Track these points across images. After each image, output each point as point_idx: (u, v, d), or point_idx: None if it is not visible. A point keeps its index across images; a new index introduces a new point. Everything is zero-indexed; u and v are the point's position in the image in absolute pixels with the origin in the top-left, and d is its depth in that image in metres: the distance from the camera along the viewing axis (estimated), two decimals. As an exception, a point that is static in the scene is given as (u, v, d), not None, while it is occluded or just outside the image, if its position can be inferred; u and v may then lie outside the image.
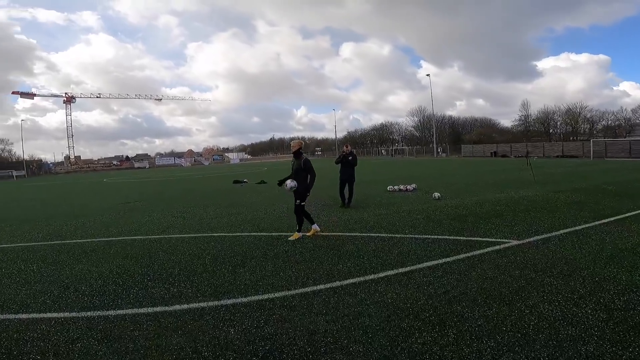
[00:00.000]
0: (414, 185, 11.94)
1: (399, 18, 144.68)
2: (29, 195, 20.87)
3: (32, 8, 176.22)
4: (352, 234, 6.31)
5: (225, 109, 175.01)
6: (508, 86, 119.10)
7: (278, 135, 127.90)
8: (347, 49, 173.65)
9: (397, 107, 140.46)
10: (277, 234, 6.61)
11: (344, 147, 8.64)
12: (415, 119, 77.16)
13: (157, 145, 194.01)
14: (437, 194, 9.75)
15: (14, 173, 58.73)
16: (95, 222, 8.95)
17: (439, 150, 54.90)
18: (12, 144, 72.16)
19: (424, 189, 11.91)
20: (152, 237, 6.90)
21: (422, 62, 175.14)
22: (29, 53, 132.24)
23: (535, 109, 64.06)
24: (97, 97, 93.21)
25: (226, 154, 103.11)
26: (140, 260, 5.37)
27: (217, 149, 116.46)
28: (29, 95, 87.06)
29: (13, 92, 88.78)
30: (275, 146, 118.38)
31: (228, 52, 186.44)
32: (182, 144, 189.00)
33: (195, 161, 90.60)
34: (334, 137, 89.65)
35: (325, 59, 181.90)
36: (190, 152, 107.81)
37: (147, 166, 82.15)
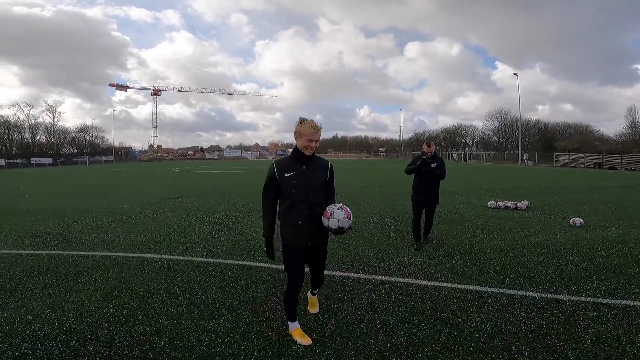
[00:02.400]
0: (526, 203, 8.75)
1: (469, 17, 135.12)
2: (95, 180, 21.42)
3: (126, 6, 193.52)
4: (465, 286, 3.72)
5: (290, 106, 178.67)
6: (602, 91, 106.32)
7: (341, 133, 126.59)
8: (412, 48, 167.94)
9: (467, 109, 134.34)
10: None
11: (424, 147, 4.99)
12: (495, 122, 69.38)
13: (228, 138, 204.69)
14: (578, 220, 6.59)
15: (103, 158, 65.06)
16: (119, 223, 7.50)
17: (524, 158, 48.07)
18: (104, 131, 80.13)
19: (540, 207, 8.68)
20: (168, 257, 5.02)
21: (497, 63, 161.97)
22: (123, 49, 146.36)
23: (641, 116, 53.03)
24: (179, 90, 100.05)
25: (289, 150, 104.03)
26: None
27: (282, 144, 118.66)
28: (123, 88, 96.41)
29: (110, 84, 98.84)
30: (337, 144, 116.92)
31: (292, 50, 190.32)
32: (250, 138, 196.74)
33: (260, 155, 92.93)
34: (398, 137, 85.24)
35: (388, 59, 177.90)
36: (257, 146, 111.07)
37: (216, 157, 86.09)
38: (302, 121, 2.62)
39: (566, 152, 45.04)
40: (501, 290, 3.62)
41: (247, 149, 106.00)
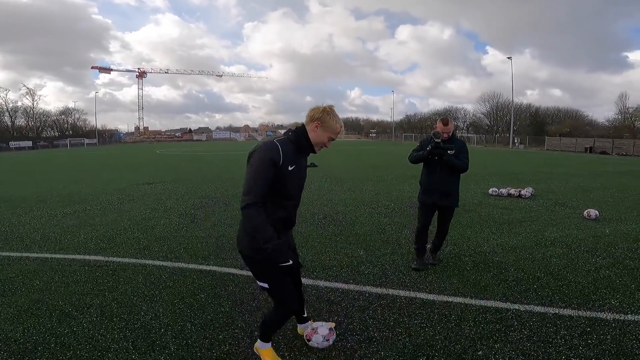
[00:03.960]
0: (531, 190, 8.06)
1: (462, 1, 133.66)
2: (69, 164, 20.16)
3: None
4: (481, 301, 2.96)
5: (280, 88, 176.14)
6: (592, 77, 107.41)
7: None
8: (403, 31, 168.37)
9: (458, 93, 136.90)
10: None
11: (438, 125, 3.50)
12: (487, 105, 68.70)
13: (217, 120, 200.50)
14: (593, 212, 5.91)
15: (85, 141, 62.54)
16: (73, 215, 6.58)
17: (515, 141, 47.79)
18: (86, 114, 77.03)
19: (545, 195, 8.01)
20: (116, 260, 4.16)
21: (488, 48, 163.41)
22: (105, 33, 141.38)
23: (633, 103, 52.86)
24: (166, 72, 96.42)
25: (279, 131, 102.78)
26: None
27: (272, 125, 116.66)
28: (107, 70, 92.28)
29: (92, 67, 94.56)
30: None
31: (282, 32, 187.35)
32: (240, 120, 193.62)
33: (249, 136, 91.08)
34: (389, 119, 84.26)
35: (379, 41, 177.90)
36: (246, 127, 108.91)
37: (205, 139, 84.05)
38: (331, 111, 1.90)
39: (557, 136, 44.84)
40: (528, 308, 2.88)
41: (236, 130, 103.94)
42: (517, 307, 2.90)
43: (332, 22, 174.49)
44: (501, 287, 3.27)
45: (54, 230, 5.24)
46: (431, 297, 3.10)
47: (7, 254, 4.21)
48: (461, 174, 3.65)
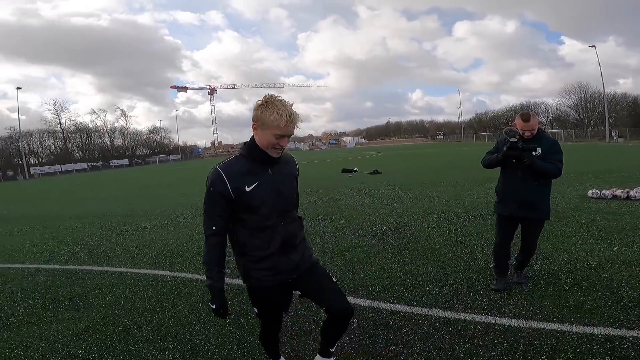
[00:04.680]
0: (642, 190, 6.65)
1: None
2: (148, 180, 22.37)
3: (172, 10, 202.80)
4: (587, 328, 2.31)
5: (339, 95, 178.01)
6: None
7: (394, 119, 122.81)
8: (460, 28, 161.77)
9: (533, 87, 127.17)
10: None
11: (517, 121, 2.91)
12: (574, 97, 60.88)
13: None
14: None
15: (171, 157, 70.04)
16: (152, 230, 7.08)
17: (612, 135, 41.39)
18: (170, 132, 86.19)
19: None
20: (181, 275, 4.27)
21: (563, 37, 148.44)
22: (177, 52, 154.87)
23: None
24: (232, 87, 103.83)
25: (342, 138, 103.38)
26: None
27: (335, 133, 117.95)
28: (183, 89, 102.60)
29: (171, 87, 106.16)
30: (391, 130, 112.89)
31: (334, 40, 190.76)
32: (303, 129, 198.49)
33: (313, 145, 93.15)
34: (457, 119, 79.46)
35: (436, 40, 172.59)
36: (310, 136, 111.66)
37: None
38: (266, 102, 1.56)
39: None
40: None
41: (300, 140, 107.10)
42: (635, 335, 2.23)
43: (382, 26, 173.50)
44: (613, 310, 2.58)
45: (133, 245, 5.65)
46: (515, 322, 2.55)
47: (90, 267, 4.60)
48: (551, 179, 2.98)
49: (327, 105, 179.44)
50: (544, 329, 2.44)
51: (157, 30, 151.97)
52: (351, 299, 3.10)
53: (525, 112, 2.92)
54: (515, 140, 2.81)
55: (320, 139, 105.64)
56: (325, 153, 53.54)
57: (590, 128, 51.99)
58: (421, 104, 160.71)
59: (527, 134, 2.89)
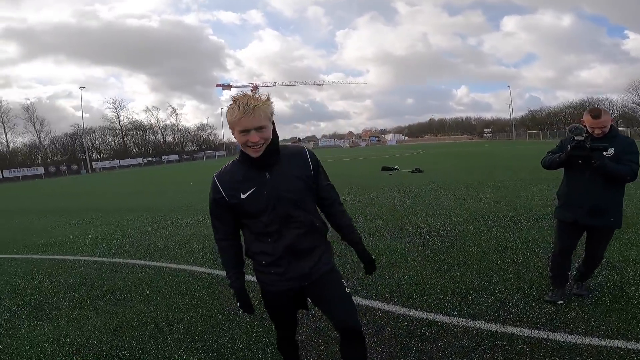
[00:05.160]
0: None
1: None
2: (205, 173, 23.37)
3: (215, 10, 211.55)
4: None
5: (379, 92, 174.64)
6: None
7: (437, 116, 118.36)
8: (509, 22, 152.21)
9: (595, 82, 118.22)
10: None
11: (585, 118, 2.55)
12: (641, 93, 54.60)
13: (322, 128, 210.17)
14: None
15: (217, 153, 73.16)
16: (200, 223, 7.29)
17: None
18: (216, 129, 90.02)
19: None
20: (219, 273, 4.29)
21: (626, 32, 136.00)
22: (221, 51, 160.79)
23: None
24: (274, 85, 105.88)
25: (383, 135, 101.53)
26: None
27: (375, 130, 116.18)
28: (228, 87, 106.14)
29: (217, 85, 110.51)
30: (434, 127, 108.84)
31: (373, 36, 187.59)
32: (343, 127, 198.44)
33: (353, 142, 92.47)
34: (506, 116, 74.63)
35: (482, 35, 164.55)
36: (350, 134, 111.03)
37: (312, 147, 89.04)
38: (232, 102, 1.46)
39: None
40: None
41: (340, 137, 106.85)
42: None
43: (423, 21, 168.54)
44: None
45: (175, 239, 5.85)
46: (572, 339, 2.24)
47: (134, 261, 4.80)
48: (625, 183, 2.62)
49: (367, 102, 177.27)
50: (605, 346, 2.14)
51: (202, 30, 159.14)
52: (384, 306, 2.93)
53: (595, 108, 2.57)
54: (582, 138, 2.47)
55: (360, 136, 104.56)
56: (365, 150, 52.89)
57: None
58: (467, 100, 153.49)
59: (597, 132, 2.53)
